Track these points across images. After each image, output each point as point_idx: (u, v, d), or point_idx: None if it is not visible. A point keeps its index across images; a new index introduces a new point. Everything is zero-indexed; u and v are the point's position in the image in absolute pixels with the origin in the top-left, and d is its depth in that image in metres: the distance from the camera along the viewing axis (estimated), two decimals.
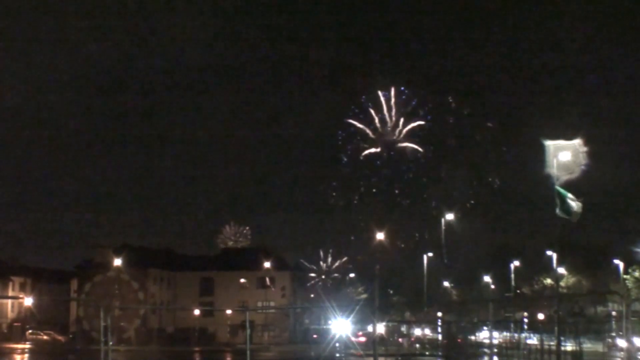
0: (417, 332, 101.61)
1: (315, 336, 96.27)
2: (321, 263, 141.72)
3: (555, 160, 29.28)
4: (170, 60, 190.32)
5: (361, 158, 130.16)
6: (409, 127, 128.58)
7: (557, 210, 30.00)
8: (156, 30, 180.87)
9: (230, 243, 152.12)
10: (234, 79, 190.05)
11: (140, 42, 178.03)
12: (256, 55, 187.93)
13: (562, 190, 29.96)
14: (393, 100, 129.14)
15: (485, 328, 67.58)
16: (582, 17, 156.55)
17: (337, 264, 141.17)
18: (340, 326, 46.39)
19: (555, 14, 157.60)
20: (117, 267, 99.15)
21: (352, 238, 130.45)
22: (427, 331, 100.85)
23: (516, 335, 61.89)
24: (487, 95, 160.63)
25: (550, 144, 29.53)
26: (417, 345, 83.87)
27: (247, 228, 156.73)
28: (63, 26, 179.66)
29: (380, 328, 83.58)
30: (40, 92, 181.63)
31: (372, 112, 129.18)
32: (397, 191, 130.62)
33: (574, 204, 30.25)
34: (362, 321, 73.19)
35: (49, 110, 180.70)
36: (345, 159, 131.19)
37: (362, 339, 78.96)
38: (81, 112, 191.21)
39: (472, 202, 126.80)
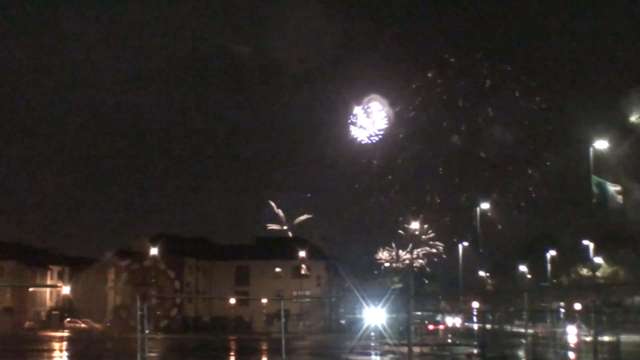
0: (452, 321, 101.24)
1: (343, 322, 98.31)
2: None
3: (591, 149, 29.04)
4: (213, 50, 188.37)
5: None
6: None
7: (595, 199, 29.70)
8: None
9: None
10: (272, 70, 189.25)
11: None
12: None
13: (600, 179, 29.67)
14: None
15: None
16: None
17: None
18: (374, 315, 46.28)
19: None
20: (154, 256, 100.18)
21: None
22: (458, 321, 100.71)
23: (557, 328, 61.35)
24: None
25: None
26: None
27: None
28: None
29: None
30: (81, 81, 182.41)
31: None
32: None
33: (613, 193, 29.93)
34: (396, 310, 73.32)
35: (83, 104, 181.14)
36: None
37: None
38: (111, 103, 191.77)
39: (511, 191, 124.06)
